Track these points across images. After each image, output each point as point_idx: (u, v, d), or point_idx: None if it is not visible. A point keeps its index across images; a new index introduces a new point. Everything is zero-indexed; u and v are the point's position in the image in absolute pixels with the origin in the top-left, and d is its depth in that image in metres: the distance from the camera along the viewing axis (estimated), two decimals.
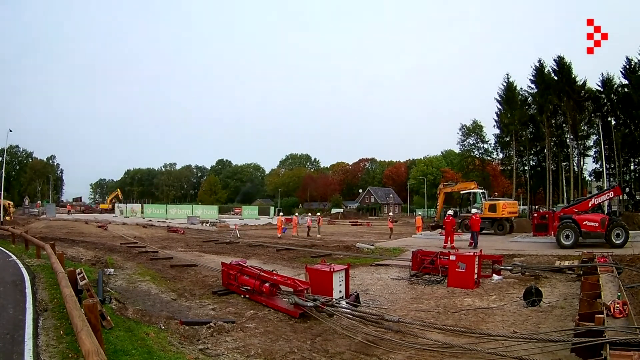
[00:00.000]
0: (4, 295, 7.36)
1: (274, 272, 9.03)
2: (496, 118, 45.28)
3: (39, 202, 66.55)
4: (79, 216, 48.36)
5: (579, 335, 4.89)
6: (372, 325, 6.56)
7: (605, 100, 38.95)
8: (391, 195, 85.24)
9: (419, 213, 48.63)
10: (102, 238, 22.28)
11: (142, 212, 50.37)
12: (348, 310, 7.10)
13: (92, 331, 3.66)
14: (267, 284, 8.20)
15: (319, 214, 38.33)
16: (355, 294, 8.41)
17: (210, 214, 47.89)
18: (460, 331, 6.12)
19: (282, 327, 6.90)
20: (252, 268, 9.18)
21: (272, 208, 65.88)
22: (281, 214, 33.62)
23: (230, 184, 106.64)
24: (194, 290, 9.76)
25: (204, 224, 35.27)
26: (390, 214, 52.72)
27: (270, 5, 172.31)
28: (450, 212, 22.58)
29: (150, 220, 38.96)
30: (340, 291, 8.42)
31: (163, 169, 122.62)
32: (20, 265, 10.71)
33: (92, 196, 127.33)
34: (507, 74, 43.96)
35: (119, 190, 79.33)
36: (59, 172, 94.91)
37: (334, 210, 71.71)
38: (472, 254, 10.31)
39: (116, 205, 60.84)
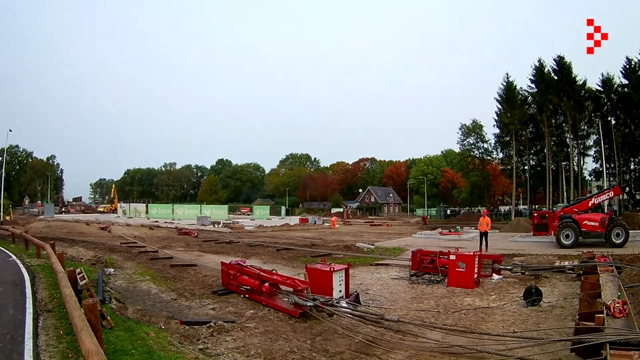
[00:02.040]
0: (4, 295, 7.36)
1: (274, 271, 9.02)
2: (496, 118, 45.36)
3: (39, 202, 66.41)
4: (79, 216, 47.97)
5: (579, 334, 4.89)
6: (372, 325, 6.56)
7: (605, 100, 38.97)
8: (391, 195, 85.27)
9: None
10: (102, 238, 22.27)
11: (147, 212, 48.60)
12: (348, 310, 7.10)
13: (92, 331, 3.66)
14: (266, 284, 8.20)
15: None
16: (355, 293, 8.39)
17: (220, 214, 46.22)
18: (460, 331, 6.12)
19: (282, 327, 6.89)
20: (251, 268, 9.17)
21: (282, 208, 65.28)
22: None
23: (230, 184, 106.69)
24: (194, 289, 9.75)
25: (216, 225, 33.58)
26: None
27: (269, 4, 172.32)
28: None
29: (156, 221, 37.61)
30: (340, 291, 8.41)
31: (163, 169, 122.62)
32: (20, 265, 10.72)
33: (92, 196, 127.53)
34: (507, 74, 44.10)
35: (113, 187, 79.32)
36: (59, 172, 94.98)
37: (334, 210, 71.63)
38: (472, 253, 10.30)
39: (119, 205, 59.94)
